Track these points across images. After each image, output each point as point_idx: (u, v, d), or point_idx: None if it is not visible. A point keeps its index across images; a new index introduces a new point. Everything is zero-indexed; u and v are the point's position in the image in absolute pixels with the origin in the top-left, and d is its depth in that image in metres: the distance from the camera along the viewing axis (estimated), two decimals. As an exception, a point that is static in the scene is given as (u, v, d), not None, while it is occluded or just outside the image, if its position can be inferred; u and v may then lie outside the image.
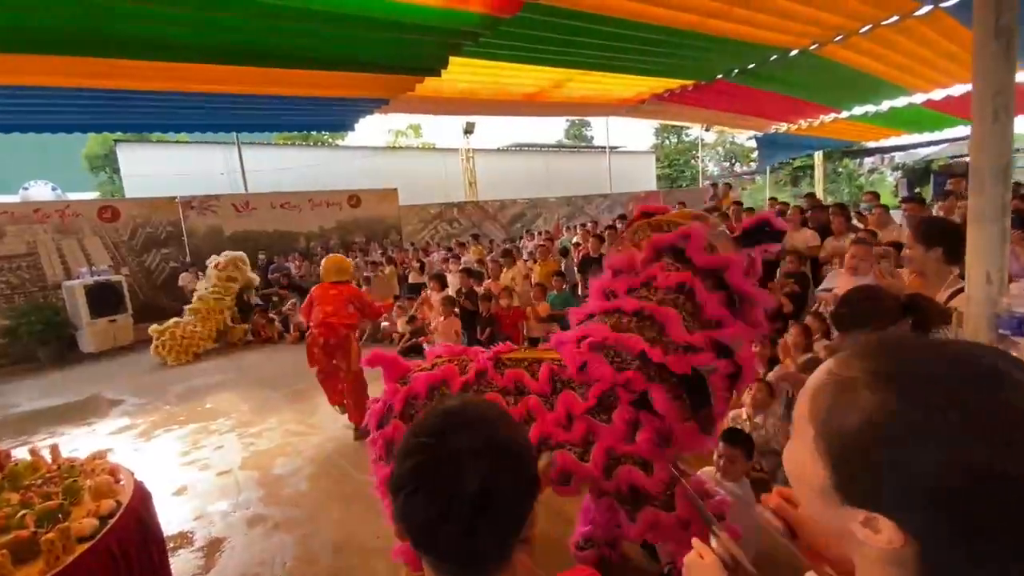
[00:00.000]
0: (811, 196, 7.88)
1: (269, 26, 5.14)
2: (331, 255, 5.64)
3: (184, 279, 10.28)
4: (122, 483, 2.25)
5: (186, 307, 8.73)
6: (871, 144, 20.81)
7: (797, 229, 5.99)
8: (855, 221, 6.26)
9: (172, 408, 5.85)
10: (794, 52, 7.20)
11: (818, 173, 19.84)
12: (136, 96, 6.97)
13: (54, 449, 2.55)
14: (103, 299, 9.18)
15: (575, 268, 7.11)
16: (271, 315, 9.33)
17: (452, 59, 6.41)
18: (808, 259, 5.82)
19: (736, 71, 8.26)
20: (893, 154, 27.46)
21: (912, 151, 26.00)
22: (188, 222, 11.00)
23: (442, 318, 5.33)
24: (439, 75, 6.94)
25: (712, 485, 2.26)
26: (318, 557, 2.88)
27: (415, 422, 0.75)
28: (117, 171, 20.71)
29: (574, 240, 8.72)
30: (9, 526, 1.86)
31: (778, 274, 6.17)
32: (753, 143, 31.92)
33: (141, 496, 2.25)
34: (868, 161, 29.44)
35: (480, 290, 6.21)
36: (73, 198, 12.27)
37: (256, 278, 9.57)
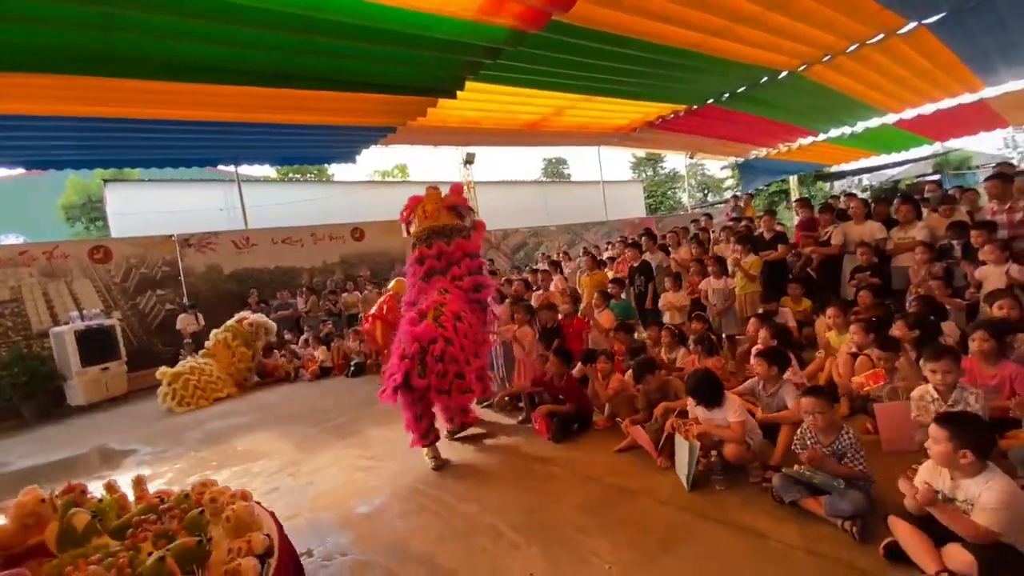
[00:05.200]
0: (851, 195, 7.87)
1: (291, 41, 4.81)
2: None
3: (183, 321, 9.54)
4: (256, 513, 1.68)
5: (200, 352, 8.02)
6: (843, 167, 21.60)
7: (861, 222, 5.76)
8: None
9: (198, 453, 5.12)
10: (783, 74, 7.39)
11: (793, 197, 20.41)
12: (134, 128, 6.53)
13: (138, 481, 1.97)
14: (95, 345, 8.38)
15: (624, 279, 6.77)
16: (283, 352, 8.64)
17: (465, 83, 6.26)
18: (877, 252, 5.57)
19: (726, 95, 8.42)
20: (862, 176, 28.50)
21: (879, 172, 27.00)
22: (185, 261, 10.31)
23: (516, 327, 4.90)
24: (455, 97, 6.76)
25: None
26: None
27: None
28: (95, 221, 19.82)
29: (606, 255, 8.44)
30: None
31: (845, 269, 5.89)
32: (725, 173, 32.94)
33: (280, 527, 1.68)
34: (838, 184, 30.53)
35: (533, 302, 5.77)
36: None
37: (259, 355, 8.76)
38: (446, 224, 4.27)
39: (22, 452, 6.27)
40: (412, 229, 4.42)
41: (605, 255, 8.59)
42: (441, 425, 4.30)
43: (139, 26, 4.20)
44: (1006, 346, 3.10)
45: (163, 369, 7.46)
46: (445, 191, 4.48)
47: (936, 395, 2.69)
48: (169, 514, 1.64)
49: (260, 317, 8.67)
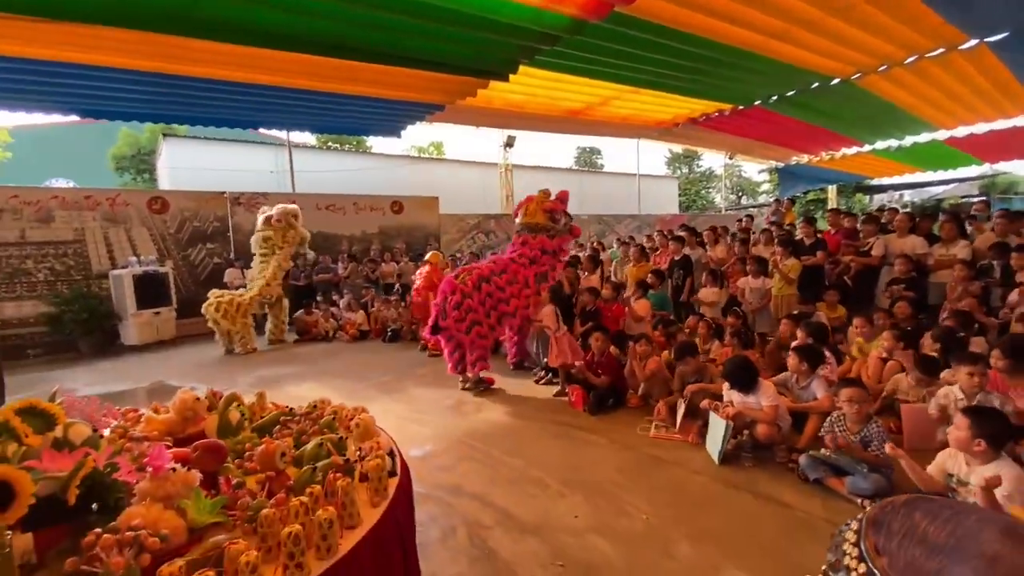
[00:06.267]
0: (893, 210, 7.88)
1: (355, 14, 5.00)
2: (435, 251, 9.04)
3: (230, 274, 10.01)
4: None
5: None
6: (885, 181, 21.23)
7: (904, 235, 5.87)
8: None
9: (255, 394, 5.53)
10: (835, 80, 7.34)
11: (831, 207, 20.16)
12: (185, 85, 6.74)
13: (261, 395, 2.32)
14: (150, 290, 8.90)
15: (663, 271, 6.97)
16: (330, 311, 9.10)
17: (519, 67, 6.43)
18: (916, 266, 5.68)
19: (775, 97, 8.37)
20: (903, 192, 27.78)
21: (921, 189, 26.32)
22: (235, 218, 10.79)
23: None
24: (507, 80, 6.92)
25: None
26: (523, 538, 2.60)
27: None
28: (142, 172, 20.55)
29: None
30: (303, 456, 1.62)
31: (881, 280, 6.02)
32: (762, 176, 32.14)
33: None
34: (878, 197, 29.82)
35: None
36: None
37: (307, 234, 9.05)
38: (538, 223, 5.54)
39: (87, 381, 6.80)
40: (517, 220, 5.73)
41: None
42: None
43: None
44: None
45: (214, 291, 8.27)
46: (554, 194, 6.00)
47: (962, 395, 2.90)
48: (307, 418, 1.98)
49: (281, 207, 8.71)
